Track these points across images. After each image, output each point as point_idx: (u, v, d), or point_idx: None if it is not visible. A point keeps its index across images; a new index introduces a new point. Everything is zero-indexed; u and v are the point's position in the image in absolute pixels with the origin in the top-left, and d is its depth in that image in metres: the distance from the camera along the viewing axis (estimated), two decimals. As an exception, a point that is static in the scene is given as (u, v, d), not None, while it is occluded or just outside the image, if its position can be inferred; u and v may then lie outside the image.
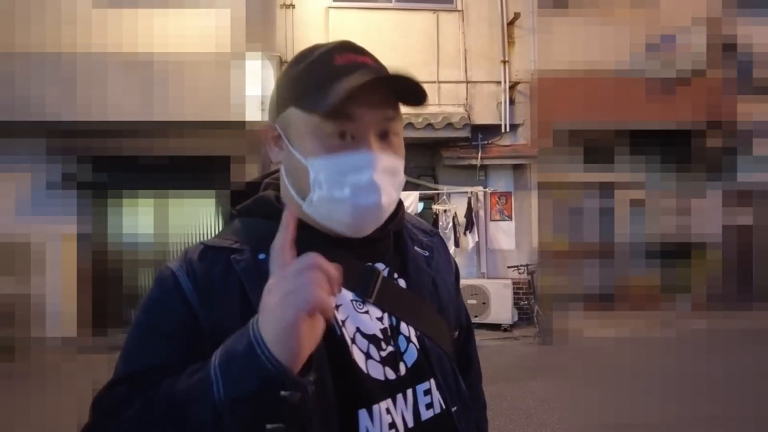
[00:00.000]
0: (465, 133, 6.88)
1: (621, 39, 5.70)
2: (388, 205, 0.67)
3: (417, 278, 0.75)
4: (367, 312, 0.68)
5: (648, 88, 5.68)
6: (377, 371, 0.66)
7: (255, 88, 5.53)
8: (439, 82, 7.01)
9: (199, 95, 5.40)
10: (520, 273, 6.88)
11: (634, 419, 3.57)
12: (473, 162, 7.02)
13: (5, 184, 5.64)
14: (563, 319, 5.65)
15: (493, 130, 7.23)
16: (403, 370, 0.68)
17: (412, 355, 0.70)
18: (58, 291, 5.69)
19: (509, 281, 6.75)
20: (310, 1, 7.05)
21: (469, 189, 7.07)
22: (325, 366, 0.61)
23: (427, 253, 0.81)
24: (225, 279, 0.65)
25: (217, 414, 0.51)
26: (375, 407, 0.64)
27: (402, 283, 0.74)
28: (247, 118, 5.41)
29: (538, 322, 6.38)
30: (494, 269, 7.16)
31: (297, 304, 0.50)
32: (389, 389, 0.66)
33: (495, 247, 7.22)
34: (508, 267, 6.98)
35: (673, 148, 5.98)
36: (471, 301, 6.61)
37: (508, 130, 7.20)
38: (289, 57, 7.69)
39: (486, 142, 7.18)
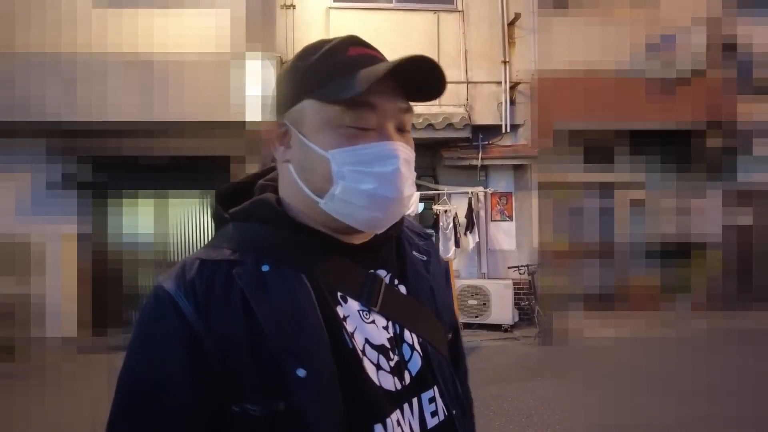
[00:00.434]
0: (465, 134, 6.88)
1: (621, 39, 5.70)
2: (409, 198, 0.66)
3: (416, 284, 0.74)
4: (373, 321, 0.67)
5: (648, 88, 5.68)
6: (388, 382, 0.65)
7: (255, 88, 5.53)
8: (440, 82, 6.99)
9: (199, 95, 5.40)
10: (520, 273, 6.87)
11: (635, 419, 3.57)
12: (474, 162, 7.02)
13: (5, 184, 5.64)
14: (563, 320, 5.65)
15: (493, 130, 7.23)
16: (407, 379, 0.67)
17: (416, 363, 0.69)
18: (58, 291, 5.69)
19: (510, 282, 6.75)
20: (311, 2, 7.05)
21: (469, 189, 7.07)
22: (335, 382, 0.59)
23: (425, 258, 0.80)
24: (226, 290, 0.61)
25: None
26: (388, 420, 0.62)
27: (402, 289, 0.73)
28: (247, 118, 5.41)
29: (538, 322, 6.38)
30: (495, 270, 7.15)
31: None
32: (397, 399, 0.65)
33: (495, 247, 7.22)
34: (509, 267, 6.98)
35: (673, 148, 5.98)
36: (471, 302, 6.61)
37: (508, 130, 7.20)
38: (290, 57, 7.65)
39: (486, 142, 7.18)
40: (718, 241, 5.98)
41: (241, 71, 5.43)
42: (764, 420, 3.45)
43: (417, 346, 0.70)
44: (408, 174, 0.65)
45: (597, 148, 5.76)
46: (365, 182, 0.62)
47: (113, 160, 5.81)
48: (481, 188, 7.15)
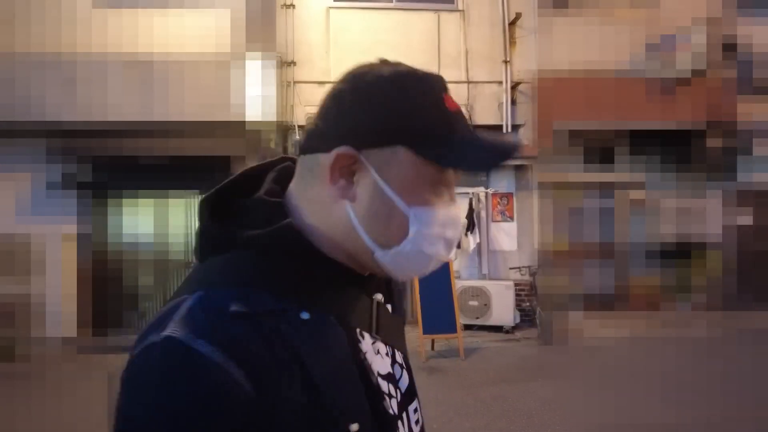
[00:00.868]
0: (465, 134, 6.88)
1: (621, 39, 5.70)
2: None
3: (397, 300, 0.75)
4: (378, 351, 0.65)
5: (648, 88, 5.68)
6: (394, 407, 0.65)
7: (255, 88, 5.53)
8: (440, 82, 7.00)
9: (199, 95, 5.40)
10: (521, 274, 6.87)
11: (635, 420, 3.56)
12: (474, 162, 7.01)
13: (5, 184, 5.64)
14: (564, 320, 5.65)
15: (494, 130, 7.23)
16: (399, 396, 0.67)
17: (405, 380, 0.69)
18: (58, 291, 5.68)
19: (511, 283, 6.73)
20: (311, 1, 7.05)
21: (470, 190, 7.06)
22: (369, 418, 0.58)
23: None
24: (272, 347, 0.52)
25: None
26: None
27: (389, 307, 0.72)
28: (247, 118, 5.41)
29: (539, 323, 6.37)
30: (496, 270, 7.15)
31: None
32: (397, 419, 0.65)
33: (496, 248, 7.21)
34: (510, 268, 6.98)
35: (673, 148, 5.98)
36: (472, 303, 6.59)
37: (509, 130, 7.20)
38: (290, 57, 7.76)
39: (486, 142, 7.18)
40: (718, 241, 5.98)
41: (241, 71, 5.43)
42: (764, 420, 3.45)
43: (403, 363, 0.70)
44: None
45: (597, 148, 5.77)
46: (434, 245, 0.61)
47: (113, 161, 5.80)
48: (481, 189, 7.15)
